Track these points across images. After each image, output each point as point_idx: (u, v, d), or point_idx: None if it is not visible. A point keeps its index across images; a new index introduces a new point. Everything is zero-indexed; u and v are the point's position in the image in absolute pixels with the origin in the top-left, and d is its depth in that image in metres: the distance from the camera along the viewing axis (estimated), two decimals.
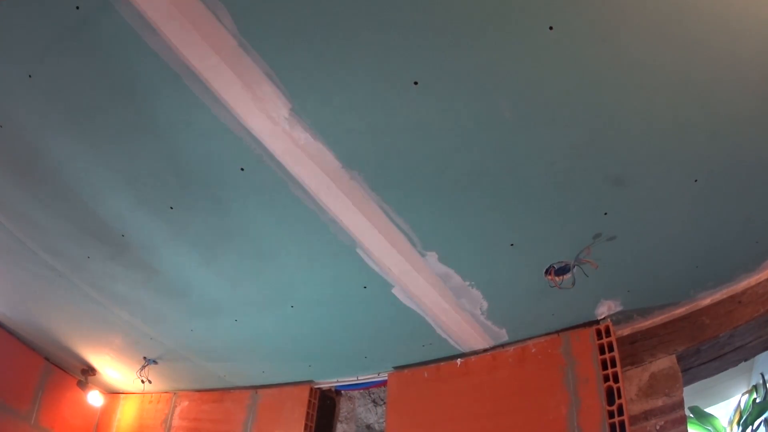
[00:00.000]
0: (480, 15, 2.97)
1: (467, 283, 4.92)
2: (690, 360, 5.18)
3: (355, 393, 7.23)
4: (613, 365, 4.92)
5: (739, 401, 9.21)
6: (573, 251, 4.44)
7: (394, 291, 5.12)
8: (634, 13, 2.91)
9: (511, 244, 4.45)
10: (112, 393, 9.08)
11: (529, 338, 5.59)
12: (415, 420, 5.99)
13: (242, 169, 4.08)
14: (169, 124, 3.84)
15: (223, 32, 3.22)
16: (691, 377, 5.42)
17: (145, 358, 7.50)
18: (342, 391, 7.34)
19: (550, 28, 3.00)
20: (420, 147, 3.73)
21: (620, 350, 5.00)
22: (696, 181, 3.81)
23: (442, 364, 6.16)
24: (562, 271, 4.58)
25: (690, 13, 2.90)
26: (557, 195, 3.99)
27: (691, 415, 8.88)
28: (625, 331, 5.30)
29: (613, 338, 5.01)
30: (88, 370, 8.34)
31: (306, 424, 6.82)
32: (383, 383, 6.70)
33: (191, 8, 3.15)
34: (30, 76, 3.66)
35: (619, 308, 5.08)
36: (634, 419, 4.93)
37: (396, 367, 6.50)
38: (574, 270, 4.54)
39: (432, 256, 4.66)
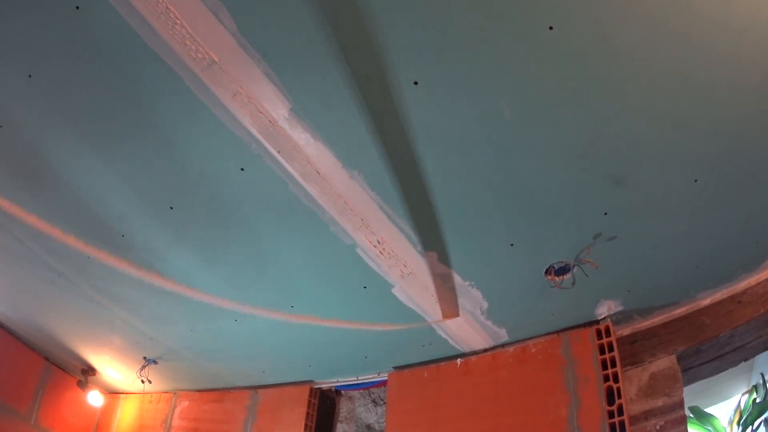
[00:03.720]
0: (480, 14, 2.97)
1: (467, 283, 4.91)
2: (690, 360, 5.18)
3: (355, 393, 7.24)
4: (613, 365, 4.92)
5: (739, 401, 9.23)
6: (573, 251, 4.44)
7: (394, 291, 5.12)
8: (634, 13, 2.91)
9: (511, 244, 4.45)
10: (112, 393, 9.11)
11: (529, 338, 5.60)
12: (415, 420, 5.99)
13: (242, 169, 4.08)
14: (169, 123, 3.84)
15: (223, 32, 3.22)
16: (691, 377, 5.43)
17: (145, 358, 7.51)
18: (342, 391, 7.35)
19: (550, 27, 2.99)
20: (420, 147, 3.73)
21: (620, 350, 5.01)
22: (696, 181, 3.81)
23: (442, 364, 6.17)
24: (562, 271, 4.58)
25: (690, 13, 2.90)
26: (557, 195, 3.99)
27: (691, 415, 8.89)
28: (625, 331, 5.30)
29: (613, 338, 5.02)
30: (88, 370, 8.35)
31: (306, 424, 6.84)
32: (383, 383, 6.71)
33: (191, 8, 3.15)
34: (30, 75, 3.66)
35: (619, 308, 5.09)
36: (634, 419, 4.94)
37: (396, 367, 6.50)
38: (574, 270, 4.54)
39: (432, 256, 4.66)
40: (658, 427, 4.88)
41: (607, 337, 5.07)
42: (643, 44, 3.04)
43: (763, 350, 5.45)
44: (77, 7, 3.21)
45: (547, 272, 4.65)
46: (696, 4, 2.86)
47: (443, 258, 4.67)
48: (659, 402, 4.97)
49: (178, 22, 3.21)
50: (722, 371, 5.63)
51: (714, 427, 9.07)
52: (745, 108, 3.35)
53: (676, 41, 3.02)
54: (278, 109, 3.60)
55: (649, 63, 3.13)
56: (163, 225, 4.76)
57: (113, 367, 8.13)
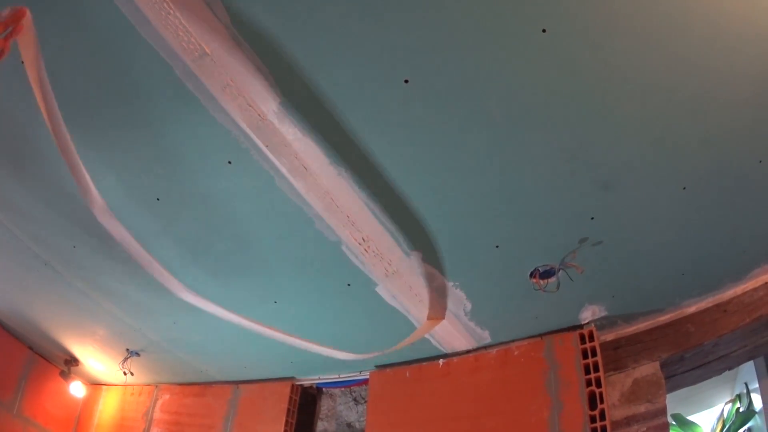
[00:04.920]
0: (473, 14, 2.96)
1: (451, 283, 4.91)
2: (674, 367, 5.19)
3: (337, 391, 7.24)
4: (596, 370, 4.92)
5: (722, 410, 9.27)
6: (558, 255, 4.43)
7: (378, 290, 5.11)
8: (628, 20, 2.90)
9: (497, 246, 4.44)
10: (94, 384, 9.07)
11: (512, 341, 5.59)
12: (396, 419, 5.99)
13: (230, 162, 4.06)
14: (158, 113, 3.82)
15: (217, 24, 3.20)
16: (675, 384, 5.44)
17: (127, 349, 7.49)
18: (323, 389, 7.35)
19: (543, 30, 2.99)
20: (408, 146, 3.72)
21: (603, 355, 5.01)
22: (684, 188, 3.81)
23: (424, 364, 6.16)
24: (547, 274, 4.57)
25: (683, 23, 2.89)
26: (544, 198, 3.98)
27: (674, 423, 8.92)
28: (609, 336, 5.31)
29: (596, 343, 5.02)
30: (71, 361, 8.33)
31: (286, 421, 6.83)
32: (365, 382, 6.71)
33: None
34: (23, 62, 3.64)
35: (603, 313, 5.09)
36: (616, 425, 4.94)
37: (378, 366, 6.50)
38: (559, 274, 4.53)
39: (417, 256, 4.65)
40: None
41: (590, 341, 5.07)
42: (635, 52, 3.04)
43: (748, 360, 5.47)
44: None
45: (532, 275, 4.64)
46: (690, 15, 2.85)
47: (428, 258, 4.66)
48: (642, 408, 4.98)
49: (171, 12, 3.19)
50: (706, 379, 5.64)
51: None
52: (736, 118, 3.35)
53: (669, 50, 3.02)
54: (268, 103, 3.59)
55: (640, 71, 3.13)
56: (149, 216, 4.75)
57: (96, 358, 8.11)
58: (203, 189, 4.36)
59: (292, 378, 7.21)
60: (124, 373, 7.77)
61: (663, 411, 4.91)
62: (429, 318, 5.26)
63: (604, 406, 4.76)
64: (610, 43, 3.01)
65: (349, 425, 6.91)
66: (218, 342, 6.68)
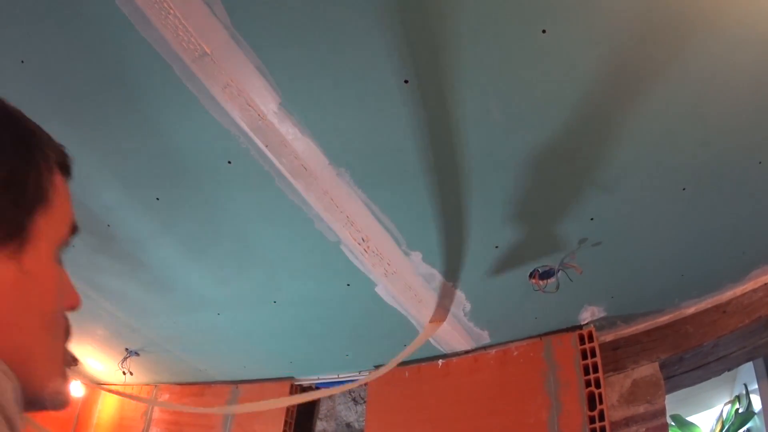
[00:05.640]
0: (473, 15, 2.95)
1: (451, 284, 4.90)
2: (673, 368, 5.18)
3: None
4: (595, 371, 4.92)
5: (722, 411, 9.27)
6: (558, 255, 4.43)
7: (377, 290, 5.11)
8: (627, 19, 2.89)
9: (496, 246, 4.44)
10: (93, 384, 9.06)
11: (512, 341, 5.59)
12: (395, 420, 5.98)
13: (229, 162, 4.05)
14: (158, 113, 3.80)
15: (216, 24, 3.19)
16: (674, 385, 5.44)
17: (127, 349, 7.48)
18: (322, 389, 7.34)
19: (543, 31, 2.98)
20: (408, 146, 3.71)
21: (603, 356, 5.01)
22: (684, 189, 3.81)
23: (423, 364, 6.16)
24: (547, 275, 4.56)
25: (684, 22, 2.88)
26: (543, 198, 3.98)
27: (673, 424, 8.92)
28: (608, 336, 5.30)
29: (595, 344, 5.02)
30: (70, 361, 8.30)
31: (286, 421, 6.82)
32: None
33: None
34: (23, 61, 3.64)
35: (602, 314, 5.09)
36: (616, 425, 4.94)
37: (377, 366, 6.47)
38: (559, 274, 4.52)
39: (416, 256, 4.64)
40: None
41: (589, 342, 5.07)
42: (635, 51, 3.02)
43: (747, 361, 5.46)
44: None
45: (531, 276, 4.63)
46: (691, 13, 2.84)
47: (428, 258, 4.66)
48: (641, 409, 4.98)
49: (171, 12, 3.18)
50: (705, 380, 5.64)
51: None
52: (736, 119, 3.35)
53: (669, 49, 3.01)
54: (268, 103, 3.58)
55: (641, 70, 3.12)
56: (149, 216, 4.74)
57: (95, 358, 8.10)
58: (203, 189, 4.36)
59: (291, 378, 7.20)
60: (123, 373, 7.77)
61: (662, 412, 4.91)
62: (431, 321, 5.26)
63: (604, 406, 4.76)
64: (609, 42, 3.00)
65: (348, 425, 6.91)
66: (217, 341, 6.67)
